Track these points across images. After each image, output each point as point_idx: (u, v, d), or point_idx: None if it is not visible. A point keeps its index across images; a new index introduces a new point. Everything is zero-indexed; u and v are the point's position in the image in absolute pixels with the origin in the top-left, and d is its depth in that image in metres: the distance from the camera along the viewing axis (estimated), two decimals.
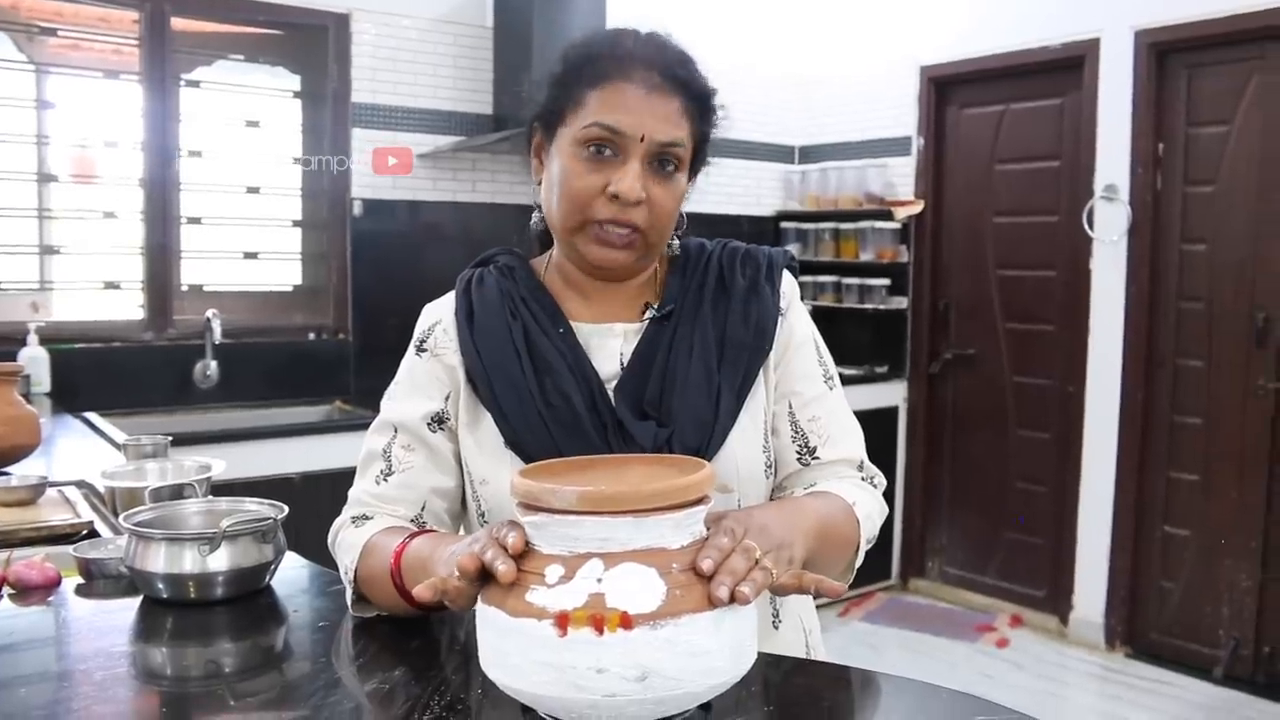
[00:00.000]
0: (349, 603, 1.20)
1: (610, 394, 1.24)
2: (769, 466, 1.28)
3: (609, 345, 1.28)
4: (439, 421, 1.27)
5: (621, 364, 1.27)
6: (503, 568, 0.85)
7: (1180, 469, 4.16)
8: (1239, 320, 3.95)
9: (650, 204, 1.20)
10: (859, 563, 1.22)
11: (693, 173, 1.30)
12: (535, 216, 1.35)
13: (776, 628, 1.29)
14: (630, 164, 1.19)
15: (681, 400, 1.22)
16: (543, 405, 1.21)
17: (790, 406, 1.30)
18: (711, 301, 1.29)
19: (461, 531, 1.32)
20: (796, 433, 1.29)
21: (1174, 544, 4.18)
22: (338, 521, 1.27)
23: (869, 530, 1.22)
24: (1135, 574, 4.28)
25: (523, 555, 0.86)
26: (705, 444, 1.20)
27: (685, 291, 1.30)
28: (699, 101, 1.25)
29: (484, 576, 0.87)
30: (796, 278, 1.38)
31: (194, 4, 3.84)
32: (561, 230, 1.25)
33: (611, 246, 1.22)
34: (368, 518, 1.24)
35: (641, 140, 1.18)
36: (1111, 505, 4.31)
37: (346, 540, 1.23)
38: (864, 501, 1.24)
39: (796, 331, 1.32)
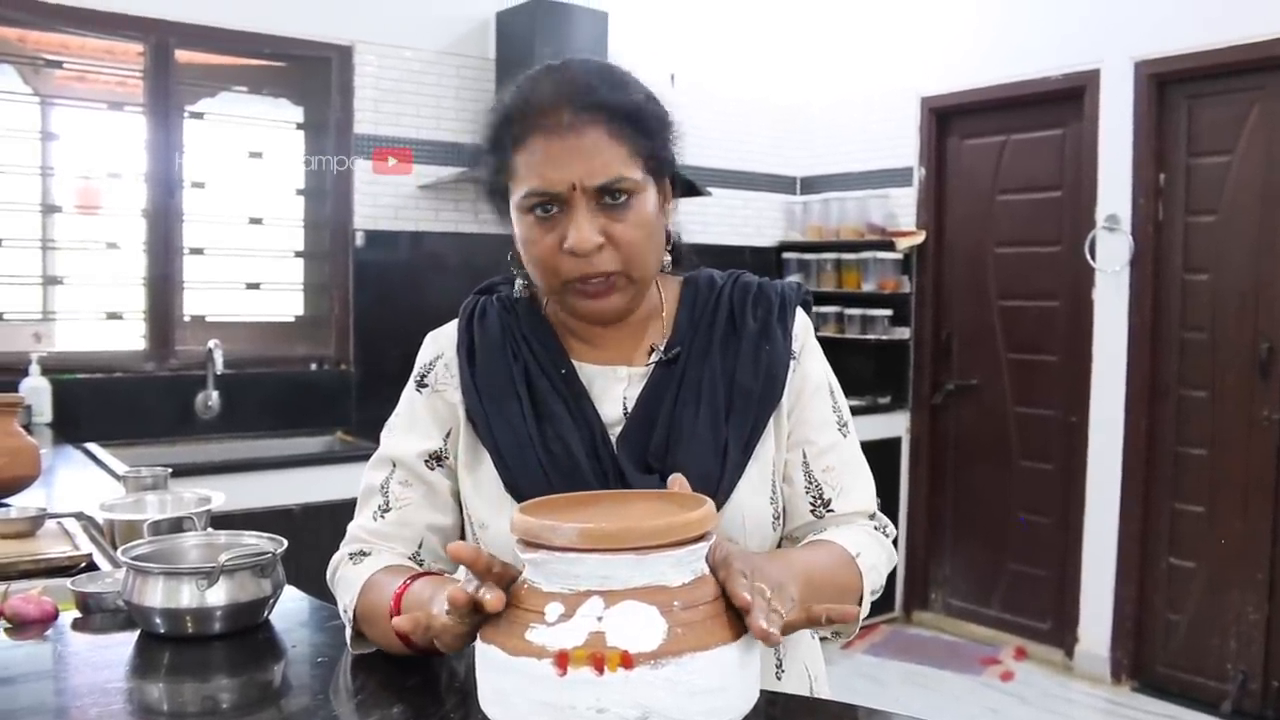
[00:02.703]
0: (348, 640, 1.19)
1: (613, 442, 1.20)
2: (776, 518, 1.24)
3: (613, 389, 1.24)
4: (437, 459, 1.25)
5: (625, 409, 1.23)
6: (490, 596, 0.84)
7: (1185, 500, 4.13)
8: (1243, 350, 3.94)
9: (615, 243, 1.15)
10: (864, 612, 1.17)
11: (662, 178, 1.22)
12: (519, 285, 1.29)
13: (779, 679, 1.25)
14: (576, 215, 1.13)
15: (687, 454, 1.18)
16: (542, 452, 1.18)
17: (804, 455, 1.25)
18: (720, 344, 1.25)
19: (460, 572, 1.30)
20: (810, 483, 1.24)
21: (1179, 576, 4.15)
22: (336, 557, 1.26)
23: (873, 581, 1.18)
24: (1141, 606, 4.25)
25: (522, 593, 0.85)
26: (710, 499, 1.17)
27: (694, 332, 1.26)
28: (628, 119, 1.16)
29: (476, 611, 0.86)
30: (810, 313, 1.33)
31: (198, 36, 3.86)
32: (545, 293, 1.23)
33: (594, 298, 1.18)
34: (365, 554, 1.23)
35: (574, 189, 1.13)
36: (1116, 537, 4.28)
37: (345, 578, 1.21)
38: (870, 551, 1.19)
39: (811, 377, 1.28)
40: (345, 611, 1.18)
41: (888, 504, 4.98)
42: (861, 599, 1.16)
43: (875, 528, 1.26)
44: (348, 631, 1.18)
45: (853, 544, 1.17)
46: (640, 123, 1.17)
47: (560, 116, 1.13)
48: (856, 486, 1.26)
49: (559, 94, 1.15)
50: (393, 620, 1.05)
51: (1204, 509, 4.07)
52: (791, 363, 1.26)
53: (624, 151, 1.15)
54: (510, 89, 1.21)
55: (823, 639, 1.37)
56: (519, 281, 1.30)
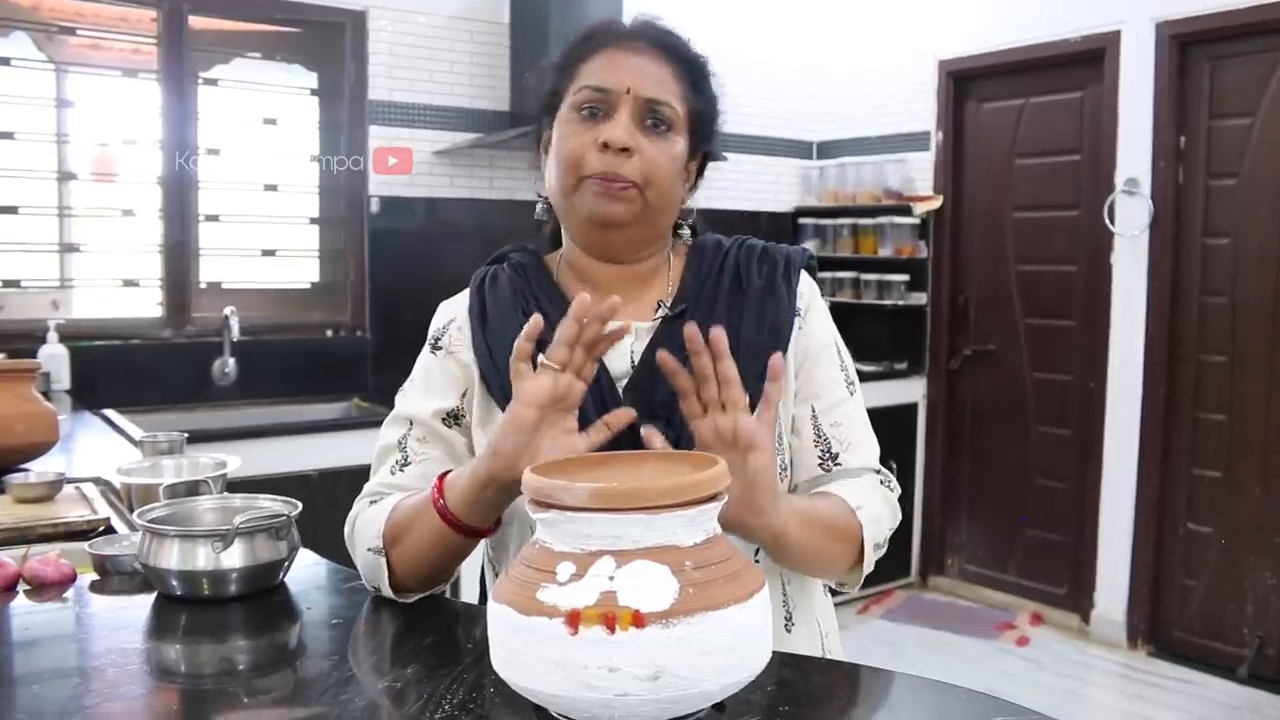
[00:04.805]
0: (383, 584, 1.20)
1: (620, 394, 1.23)
2: (783, 468, 1.26)
3: (621, 344, 1.25)
4: (454, 418, 1.28)
5: (633, 363, 1.25)
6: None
7: (1203, 465, 4.12)
8: (1263, 314, 3.91)
9: (642, 156, 1.20)
10: (869, 567, 1.22)
11: (696, 151, 1.30)
12: (539, 208, 1.36)
13: (789, 631, 1.27)
14: (619, 115, 1.20)
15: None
16: None
17: (813, 411, 1.28)
18: (726, 301, 1.27)
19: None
20: (819, 437, 1.28)
21: (1197, 541, 4.14)
22: (352, 513, 1.27)
23: (874, 533, 1.20)
24: (1157, 571, 4.24)
25: (534, 552, 0.86)
26: None
27: (700, 289, 1.29)
28: (689, 68, 1.26)
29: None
30: (815, 277, 1.36)
31: (212, 2, 3.85)
32: (560, 193, 1.25)
33: (608, 198, 1.21)
34: (386, 497, 1.24)
35: (628, 93, 1.20)
36: (1133, 502, 4.27)
37: (367, 517, 1.23)
38: (873, 504, 1.22)
39: (817, 336, 1.31)
40: (375, 544, 1.19)
41: (904, 469, 5.00)
42: (862, 551, 1.20)
43: (880, 481, 1.29)
44: (384, 576, 1.19)
45: (855, 497, 1.21)
46: (698, 78, 1.28)
47: (637, 41, 1.25)
48: (864, 444, 1.30)
49: (639, 27, 1.28)
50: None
51: (1222, 474, 4.06)
52: (796, 319, 1.29)
53: (677, 88, 1.25)
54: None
55: (832, 591, 1.38)
56: (540, 205, 1.36)
